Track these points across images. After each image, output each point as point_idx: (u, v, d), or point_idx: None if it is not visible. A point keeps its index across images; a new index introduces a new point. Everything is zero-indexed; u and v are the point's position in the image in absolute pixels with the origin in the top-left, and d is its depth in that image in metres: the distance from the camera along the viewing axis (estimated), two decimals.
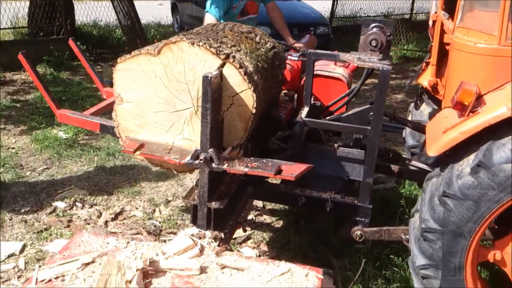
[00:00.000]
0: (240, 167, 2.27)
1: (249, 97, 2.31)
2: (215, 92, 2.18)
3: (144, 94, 2.42)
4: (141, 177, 4.60)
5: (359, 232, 2.90)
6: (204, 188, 2.33)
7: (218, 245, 2.26)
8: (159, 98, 2.41)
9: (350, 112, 3.18)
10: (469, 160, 2.25)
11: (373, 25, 2.92)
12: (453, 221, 2.31)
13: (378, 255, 3.35)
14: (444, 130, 2.29)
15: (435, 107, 3.57)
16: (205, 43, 2.30)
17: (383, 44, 2.73)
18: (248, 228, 3.77)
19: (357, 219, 2.91)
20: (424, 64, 3.54)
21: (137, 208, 4.04)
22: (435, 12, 3.39)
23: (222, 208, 2.36)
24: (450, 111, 2.42)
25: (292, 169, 2.27)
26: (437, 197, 2.35)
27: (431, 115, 3.56)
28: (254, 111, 2.32)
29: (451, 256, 2.37)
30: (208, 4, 3.97)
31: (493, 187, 2.20)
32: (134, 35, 9.48)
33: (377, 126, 2.72)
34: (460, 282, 2.41)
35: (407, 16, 13.16)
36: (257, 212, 4.04)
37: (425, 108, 3.69)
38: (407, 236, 2.78)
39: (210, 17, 3.94)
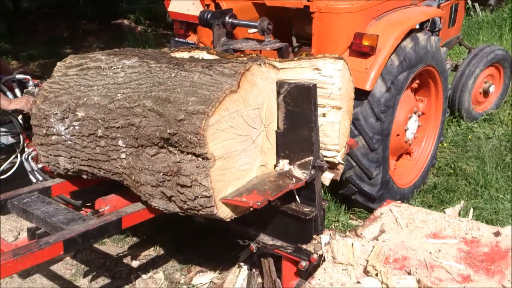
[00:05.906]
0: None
1: None
2: None
3: (230, 141, 2.06)
4: None
5: None
6: (320, 193, 2.34)
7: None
8: (240, 137, 2.12)
9: None
10: (382, 84, 3.22)
11: (229, 14, 3.13)
12: (385, 127, 3.30)
13: None
14: (366, 69, 3.13)
15: None
16: (267, 60, 2.18)
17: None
18: None
19: None
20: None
21: None
22: None
23: None
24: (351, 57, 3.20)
25: None
26: (372, 117, 3.22)
27: None
28: None
29: (385, 151, 3.39)
30: None
31: (397, 93, 3.31)
32: None
33: None
34: (387, 166, 3.48)
35: None
36: None
37: None
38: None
39: None
